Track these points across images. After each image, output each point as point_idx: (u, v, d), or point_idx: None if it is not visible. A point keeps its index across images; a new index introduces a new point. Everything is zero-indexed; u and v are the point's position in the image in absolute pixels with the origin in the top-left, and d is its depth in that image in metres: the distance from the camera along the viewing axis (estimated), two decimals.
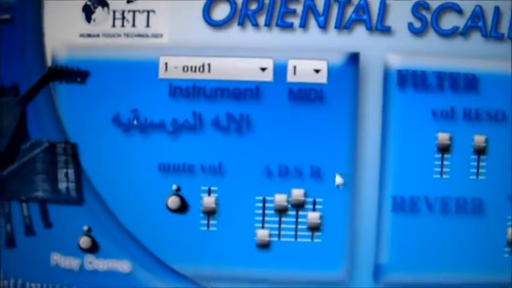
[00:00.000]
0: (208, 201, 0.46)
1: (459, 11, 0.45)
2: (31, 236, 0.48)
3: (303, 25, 0.45)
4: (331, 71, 0.45)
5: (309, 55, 0.45)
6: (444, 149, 0.46)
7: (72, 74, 0.46)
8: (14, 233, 0.48)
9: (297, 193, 0.46)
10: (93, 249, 0.47)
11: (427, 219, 0.46)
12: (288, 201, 0.46)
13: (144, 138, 0.46)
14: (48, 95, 0.47)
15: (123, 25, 0.46)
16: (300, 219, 0.46)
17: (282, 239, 0.46)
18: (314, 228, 0.46)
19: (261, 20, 0.45)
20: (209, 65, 0.45)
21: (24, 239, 0.48)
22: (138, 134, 0.46)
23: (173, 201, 0.46)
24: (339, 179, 0.44)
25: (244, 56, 0.45)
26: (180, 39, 0.45)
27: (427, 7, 0.45)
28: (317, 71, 0.45)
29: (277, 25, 0.45)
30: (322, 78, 0.45)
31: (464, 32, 0.45)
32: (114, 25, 0.46)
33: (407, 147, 0.46)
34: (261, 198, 0.46)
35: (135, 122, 0.46)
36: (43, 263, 0.48)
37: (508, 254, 0.47)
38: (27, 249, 0.48)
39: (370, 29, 0.45)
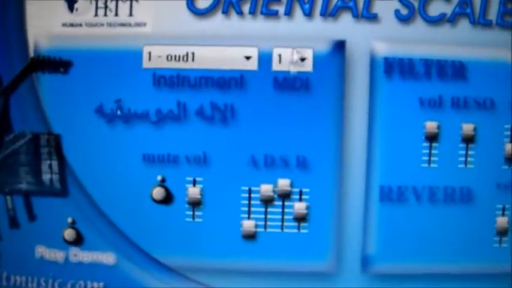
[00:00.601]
0: (194, 192, 0.45)
1: None
2: (15, 228, 0.47)
3: (288, 13, 0.44)
4: (316, 59, 0.44)
5: (294, 43, 0.44)
6: (432, 138, 0.45)
7: (55, 64, 0.46)
8: None
9: (283, 183, 0.45)
10: (78, 241, 0.47)
11: (415, 209, 0.46)
12: (274, 191, 0.45)
13: (128, 129, 0.45)
14: (31, 86, 0.46)
15: (105, 14, 0.45)
16: (286, 210, 0.46)
17: (268, 230, 0.46)
18: (301, 219, 0.46)
19: (246, 8, 0.44)
20: (193, 53, 0.45)
21: (8, 231, 0.48)
22: (122, 125, 0.45)
23: (158, 192, 0.45)
24: (295, 55, 0.42)
25: (228, 45, 0.45)
26: (164, 28, 0.45)
27: None
28: (302, 59, 0.45)
29: (261, 13, 0.44)
30: (307, 66, 0.45)
31: (452, 19, 0.45)
32: (96, 14, 0.45)
33: (395, 136, 0.45)
34: (246, 188, 0.45)
35: (118, 113, 0.45)
36: (28, 256, 0.47)
37: (497, 243, 0.47)
38: (12, 242, 0.48)
39: (356, 16, 0.44)
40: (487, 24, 0.45)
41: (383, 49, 0.45)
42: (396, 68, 0.45)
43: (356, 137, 0.45)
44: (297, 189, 0.45)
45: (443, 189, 0.46)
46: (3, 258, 0.48)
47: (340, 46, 0.44)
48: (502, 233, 0.46)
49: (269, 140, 0.45)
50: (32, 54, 0.46)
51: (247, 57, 0.45)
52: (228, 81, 0.45)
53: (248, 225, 0.46)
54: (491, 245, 0.46)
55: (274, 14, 0.44)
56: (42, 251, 0.47)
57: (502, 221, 0.46)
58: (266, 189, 0.45)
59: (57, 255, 0.47)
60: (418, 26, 0.45)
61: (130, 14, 0.45)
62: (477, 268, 0.46)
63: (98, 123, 0.46)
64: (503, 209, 0.46)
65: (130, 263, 0.47)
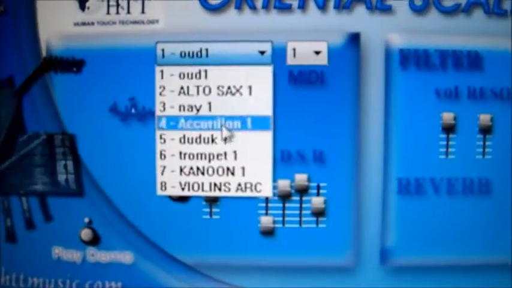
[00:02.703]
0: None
1: None
2: (31, 230, 0.47)
3: (302, 6, 0.44)
4: (331, 52, 0.44)
5: (308, 37, 0.44)
6: (449, 129, 0.45)
7: (68, 63, 0.46)
8: (14, 228, 0.48)
9: (300, 178, 0.45)
10: (95, 241, 0.47)
11: (433, 201, 0.45)
12: (291, 186, 0.45)
13: (143, 127, 0.45)
14: (44, 86, 0.46)
15: (117, 12, 0.45)
16: (304, 205, 0.45)
17: (287, 226, 0.45)
18: (319, 213, 0.45)
19: (259, 2, 0.44)
20: (207, 50, 0.44)
21: (24, 233, 0.47)
22: (137, 123, 0.45)
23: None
24: (225, 132, 0.43)
25: (242, 40, 0.45)
26: (177, 24, 0.44)
27: None
28: (317, 52, 0.44)
29: (275, 7, 0.44)
30: (322, 60, 0.44)
31: (467, 9, 0.44)
32: (108, 12, 0.45)
33: (412, 128, 0.45)
34: None
35: (133, 111, 0.45)
36: (45, 257, 0.47)
37: None
38: (28, 244, 0.47)
39: (370, 8, 0.44)
40: (502, 14, 0.44)
41: (398, 41, 0.44)
42: (412, 59, 0.44)
43: (373, 129, 0.45)
44: (314, 184, 0.45)
45: (462, 181, 0.45)
46: (20, 260, 0.48)
47: (354, 39, 0.44)
48: None
49: (285, 135, 0.45)
50: (44, 54, 0.46)
51: (262, 52, 0.44)
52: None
53: (266, 221, 0.45)
54: (510, 237, 0.46)
55: (288, 8, 0.44)
56: (59, 252, 0.47)
57: None
58: (283, 184, 0.45)
59: (74, 255, 0.47)
60: (433, 16, 0.44)
61: (143, 12, 0.45)
62: (497, 260, 0.46)
63: (112, 121, 0.45)
64: None
65: (148, 262, 0.46)
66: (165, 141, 0.45)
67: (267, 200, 0.45)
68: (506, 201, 0.46)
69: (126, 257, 0.47)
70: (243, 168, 0.45)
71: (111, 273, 0.47)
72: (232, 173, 0.45)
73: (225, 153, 0.45)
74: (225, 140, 0.43)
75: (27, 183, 0.47)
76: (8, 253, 0.48)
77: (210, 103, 0.45)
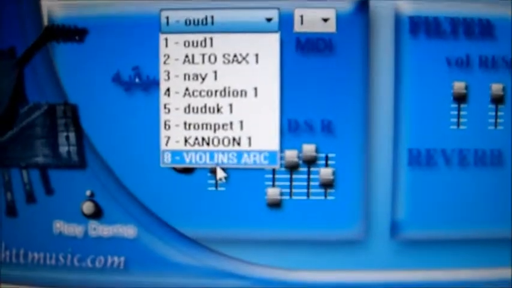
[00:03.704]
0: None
1: None
2: (32, 203, 0.46)
3: None
4: (339, 19, 0.43)
5: (316, 3, 0.43)
6: (460, 99, 0.44)
7: (70, 32, 0.45)
8: (14, 202, 0.46)
9: (308, 148, 0.44)
10: (97, 214, 0.46)
11: (444, 173, 0.44)
12: (298, 157, 0.44)
13: (146, 97, 0.44)
14: (46, 56, 0.45)
15: None
16: (312, 176, 0.44)
17: (294, 198, 0.44)
18: (327, 185, 0.44)
19: None
20: (212, 17, 0.43)
21: (25, 207, 0.46)
22: (141, 92, 0.44)
23: None
24: (220, 173, 0.43)
25: (248, 7, 0.44)
26: None
27: None
28: (325, 19, 0.43)
29: None
30: (330, 27, 0.43)
31: None
32: None
33: (422, 98, 0.44)
34: None
35: (136, 80, 0.44)
36: (45, 231, 0.46)
37: None
38: (29, 218, 0.46)
39: None
40: None
41: (408, 8, 0.43)
42: (422, 27, 0.43)
43: (382, 99, 0.44)
44: (322, 155, 0.44)
45: (473, 152, 0.44)
46: (20, 235, 0.47)
47: (363, 5, 0.43)
48: None
49: (293, 104, 0.44)
50: (46, 23, 0.45)
51: (268, 19, 0.43)
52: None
53: (273, 192, 0.44)
54: None
55: None
56: (60, 226, 0.46)
57: None
58: (291, 155, 0.44)
59: (76, 229, 0.46)
60: None
61: None
62: (510, 233, 0.45)
63: (115, 91, 0.44)
64: None
65: (151, 235, 0.45)
66: (169, 111, 0.44)
67: (273, 171, 0.44)
68: None
69: (129, 230, 0.46)
70: (249, 139, 0.44)
71: (113, 248, 0.46)
72: (239, 144, 0.44)
73: (231, 123, 0.44)
74: (220, 180, 0.43)
75: (28, 156, 0.46)
76: (8, 228, 0.47)
77: (215, 72, 0.44)
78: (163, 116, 0.44)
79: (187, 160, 0.44)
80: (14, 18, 0.45)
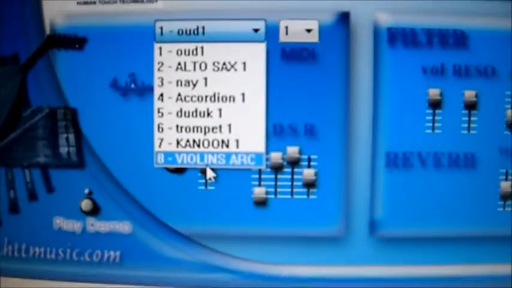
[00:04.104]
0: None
1: None
2: (34, 201, 0.49)
3: None
4: (322, 30, 0.46)
5: (300, 15, 0.46)
6: (435, 105, 0.47)
7: (71, 41, 0.48)
8: (17, 199, 0.49)
9: (292, 150, 0.47)
10: (95, 211, 0.48)
11: (420, 174, 0.47)
12: (283, 158, 0.47)
13: (142, 102, 0.47)
14: (47, 63, 0.48)
15: None
16: (295, 176, 0.47)
17: (279, 196, 0.47)
18: (309, 185, 0.47)
19: None
20: (203, 27, 0.46)
21: (27, 204, 0.49)
22: (136, 98, 0.47)
23: None
24: (210, 173, 0.46)
25: (237, 19, 0.46)
26: (174, 3, 0.46)
27: None
28: (309, 30, 0.46)
29: None
30: (313, 37, 0.46)
31: None
32: None
33: (399, 104, 0.47)
34: None
35: (132, 86, 0.47)
36: (46, 227, 0.49)
37: (501, 207, 0.48)
38: (30, 214, 0.49)
39: None
40: None
41: (386, 19, 0.46)
42: (399, 37, 0.46)
43: (362, 104, 0.47)
44: (305, 156, 0.47)
45: (447, 155, 0.47)
46: (22, 230, 0.50)
47: (344, 17, 0.46)
48: (506, 197, 0.48)
49: (278, 109, 0.47)
50: (48, 31, 0.48)
51: (256, 30, 0.46)
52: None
53: (259, 192, 0.47)
54: (496, 209, 0.48)
55: None
56: (59, 222, 0.49)
57: (505, 185, 0.47)
58: (276, 156, 0.47)
59: (75, 225, 0.49)
60: None
61: None
62: (481, 232, 0.48)
63: (112, 96, 0.47)
64: (506, 174, 0.48)
65: (146, 231, 0.48)
66: (162, 114, 0.47)
67: (260, 171, 0.47)
68: (490, 174, 0.47)
69: (124, 226, 0.49)
70: (237, 141, 0.47)
71: (110, 243, 0.48)
72: (227, 146, 0.47)
73: (220, 127, 0.47)
74: (210, 179, 0.46)
75: (31, 156, 0.49)
76: (11, 224, 0.50)
77: (206, 78, 0.47)
78: (156, 120, 0.47)
79: (179, 161, 0.47)
80: (17, 27, 0.48)
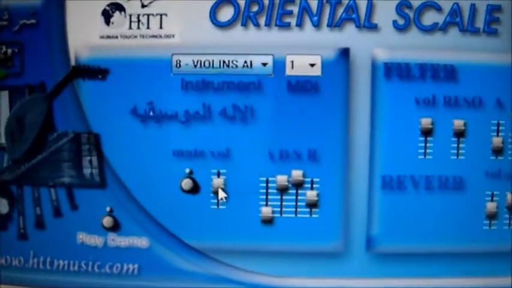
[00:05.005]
0: (218, 182, 0.51)
1: (438, 9, 0.50)
2: (59, 217, 0.53)
3: (299, 24, 0.50)
4: (324, 64, 0.50)
5: (304, 51, 0.50)
6: (427, 133, 0.51)
7: (94, 71, 0.51)
8: (43, 216, 0.53)
9: (297, 174, 0.51)
10: (115, 227, 0.52)
11: (413, 196, 0.51)
12: (288, 181, 0.51)
13: (159, 128, 0.51)
14: (72, 91, 0.52)
15: (138, 27, 0.51)
16: (299, 197, 0.51)
17: (284, 215, 0.51)
18: (312, 205, 0.51)
19: (262, 20, 0.50)
20: (217, 61, 0.51)
21: (52, 220, 0.53)
22: (154, 124, 0.51)
23: (186, 183, 0.51)
24: (221, 194, 0.50)
25: (247, 54, 0.50)
26: (190, 38, 0.50)
27: (409, 6, 0.50)
28: (312, 65, 0.50)
29: (276, 25, 0.50)
30: (316, 71, 0.50)
31: (444, 27, 0.50)
32: (130, 27, 0.51)
33: (394, 131, 0.51)
34: (264, 179, 0.51)
35: (151, 114, 0.51)
36: (70, 242, 0.53)
37: (487, 226, 0.52)
38: (55, 230, 0.53)
39: (358, 26, 0.50)
40: (475, 32, 0.51)
41: (383, 55, 0.50)
42: (395, 71, 0.51)
43: (360, 132, 0.51)
44: (308, 179, 0.51)
45: (438, 178, 0.51)
46: (47, 245, 0.54)
47: (345, 53, 0.50)
48: (491, 217, 0.52)
49: (284, 136, 0.51)
50: (73, 63, 0.51)
51: (264, 64, 0.51)
52: (247, 85, 0.51)
53: (266, 211, 0.51)
54: (482, 228, 0.52)
55: (287, 26, 0.50)
56: (82, 237, 0.53)
57: (491, 206, 0.52)
58: (281, 179, 0.51)
59: (97, 240, 0.53)
60: (414, 34, 0.50)
61: (161, 27, 0.51)
62: (469, 248, 0.52)
63: (132, 123, 0.51)
64: (492, 195, 0.52)
65: (162, 246, 0.52)
66: None
67: (267, 192, 0.52)
68: (477, 196, 0.52)
69: (142, 242, 0.52)
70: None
71: (129, 256, 0.52)
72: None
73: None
74: (221, 200, 0.51)
75: (56, 176, 0.53)
76: (37, 238, 0.54)
77: None
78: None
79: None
80: (45, 58, 0.52)
